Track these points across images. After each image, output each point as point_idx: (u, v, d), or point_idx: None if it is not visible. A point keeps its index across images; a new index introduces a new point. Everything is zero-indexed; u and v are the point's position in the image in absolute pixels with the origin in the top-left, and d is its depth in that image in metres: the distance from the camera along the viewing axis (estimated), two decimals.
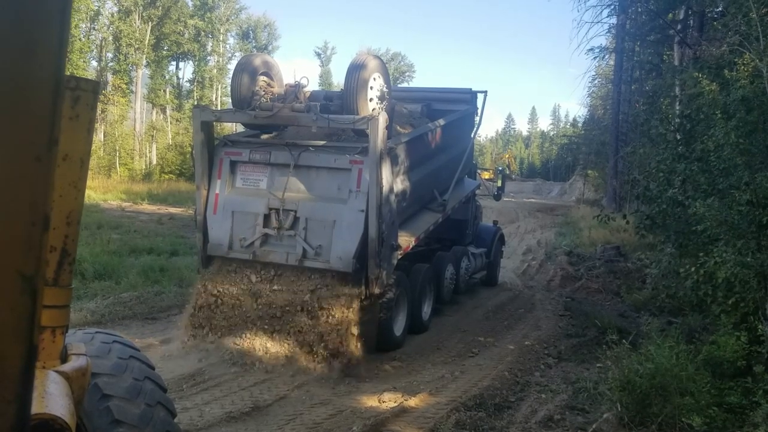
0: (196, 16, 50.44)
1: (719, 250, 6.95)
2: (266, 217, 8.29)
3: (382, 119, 7.67)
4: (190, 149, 34.36)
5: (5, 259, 0.62)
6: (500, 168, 18.85)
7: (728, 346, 6.92)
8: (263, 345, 7.75)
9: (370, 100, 8.33)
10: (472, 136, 12.47)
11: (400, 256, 8.54)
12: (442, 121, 10.44)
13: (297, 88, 8.59)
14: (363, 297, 7.87)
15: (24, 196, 0.63)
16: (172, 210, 24.99)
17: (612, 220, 12.51)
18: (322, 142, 8.49)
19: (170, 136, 47.47)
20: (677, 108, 14.58)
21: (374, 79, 8.41)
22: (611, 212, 19.78)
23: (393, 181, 8.27)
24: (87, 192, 2.29)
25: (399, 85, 34.47)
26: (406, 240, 8.87)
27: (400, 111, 10.19)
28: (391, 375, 7.93)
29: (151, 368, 3.17)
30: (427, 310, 10.12)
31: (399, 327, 9.02)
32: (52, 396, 1.98)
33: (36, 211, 0.63)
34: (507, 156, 54.09)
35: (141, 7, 45.67)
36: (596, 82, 44.38)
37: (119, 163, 41.57)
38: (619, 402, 6.19)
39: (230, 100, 9.46)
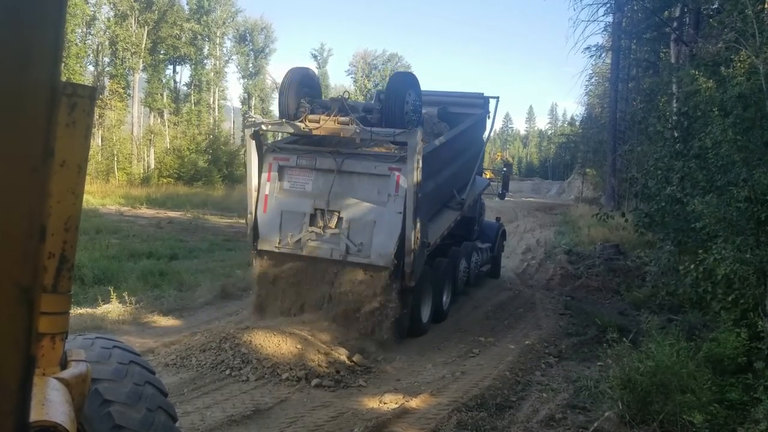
0: (193, 19, 50.31)
1: (718, 247, 6.95)
2: (312, 217, 9.15)
3: (419, 132, 8.62)
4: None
5: (1, 270, 0.62)
6: (504, 168, 18.92)
7: (728, 343, 6.93)
8: (293, 340, 8.05)
9: (406, 113, 9.28)
10: (484, 138, 13.45)
11: (428, 252, 9.33)
12: (463, 126, 11.35)
13: (341, 101, 9.40)
14: (399, 289, 8.79)
15: (20, 207, 0.63)
16: (171, 214, 24.95)
17: (611, 218, 12.54)
18: (362, 151, 9.35)
19: (168, 140, 47.36)
20: (674, 105, 14.57)
21: (409, 93, 9.43)
22: (610, 210, 19.84)
23: (425, 184, 9.02)
24: (85, 197, 2.28)
25: None
26: (432, 236, 9.65)
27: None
28: (392, 376, 7.93)
29: (152, 373, 3.17)
30: (446, 299, 10.90)
31: (425, 315, 9.89)
32: (52, 403, 1.98)
33: (32, 222, 0.63)
34: (499, 155, 53.84)
35: (137, 12, 45.56)
36: (593, 80, 44.43)
37: (117, 168, 41.40)
38: (620, 400, 6.19)
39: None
